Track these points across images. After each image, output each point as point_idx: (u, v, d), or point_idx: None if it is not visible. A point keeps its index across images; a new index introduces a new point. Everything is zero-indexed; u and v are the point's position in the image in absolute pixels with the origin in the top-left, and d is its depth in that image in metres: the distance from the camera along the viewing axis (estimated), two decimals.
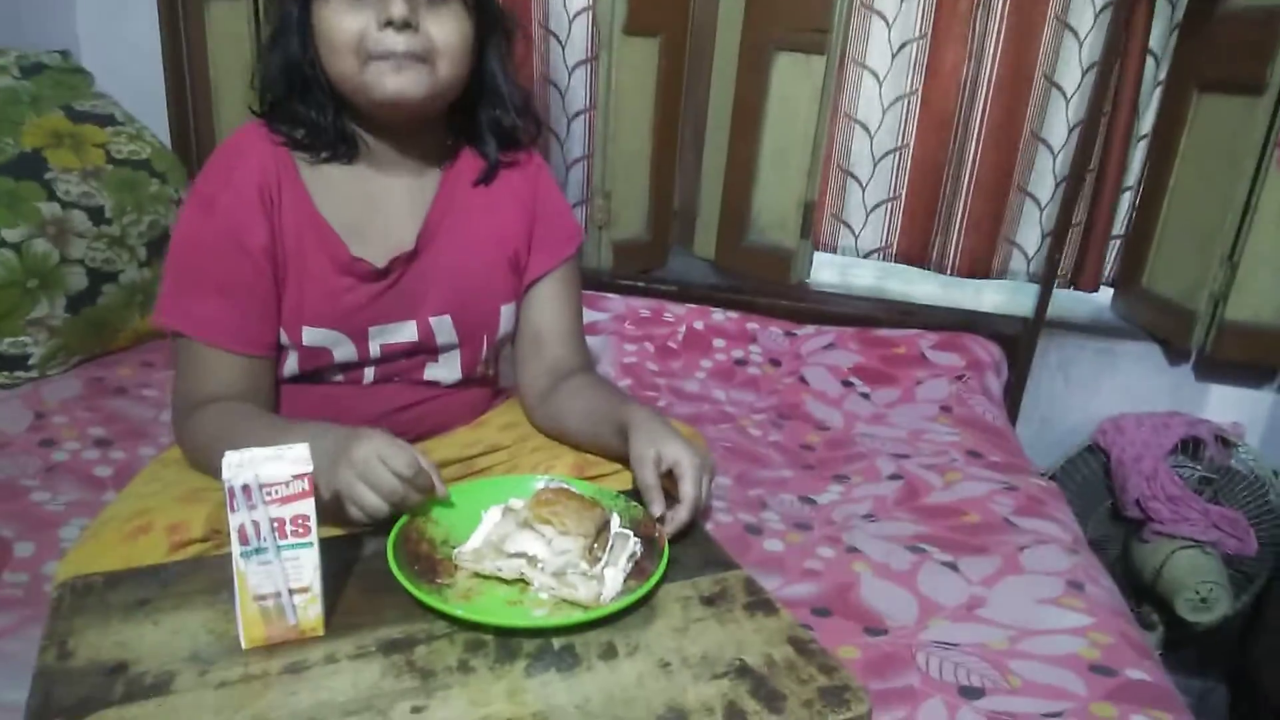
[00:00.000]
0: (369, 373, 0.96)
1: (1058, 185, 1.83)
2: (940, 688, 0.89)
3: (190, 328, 0.88)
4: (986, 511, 1.22)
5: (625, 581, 0.76)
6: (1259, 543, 1.73)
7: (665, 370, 1.69)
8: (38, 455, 1.18)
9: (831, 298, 1.93)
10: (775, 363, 1.71)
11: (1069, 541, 1.16)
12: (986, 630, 0.98)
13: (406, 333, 0.95)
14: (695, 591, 0.78)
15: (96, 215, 1.39)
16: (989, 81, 1.81)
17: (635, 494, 0.89)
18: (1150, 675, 0.91)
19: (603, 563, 0.76)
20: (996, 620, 0.99)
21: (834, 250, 2.02)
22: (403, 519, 0.80)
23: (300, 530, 0.66)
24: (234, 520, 0.64)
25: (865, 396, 1.61)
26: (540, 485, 0.86)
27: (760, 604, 0.77)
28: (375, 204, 0.94)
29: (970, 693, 0.88)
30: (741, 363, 1.72)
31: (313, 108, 0.88)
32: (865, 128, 1.90)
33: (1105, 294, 1.99)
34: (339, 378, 0.95)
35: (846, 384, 1.64)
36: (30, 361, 1.33)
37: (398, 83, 0.83)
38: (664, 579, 0.77)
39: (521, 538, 0.77)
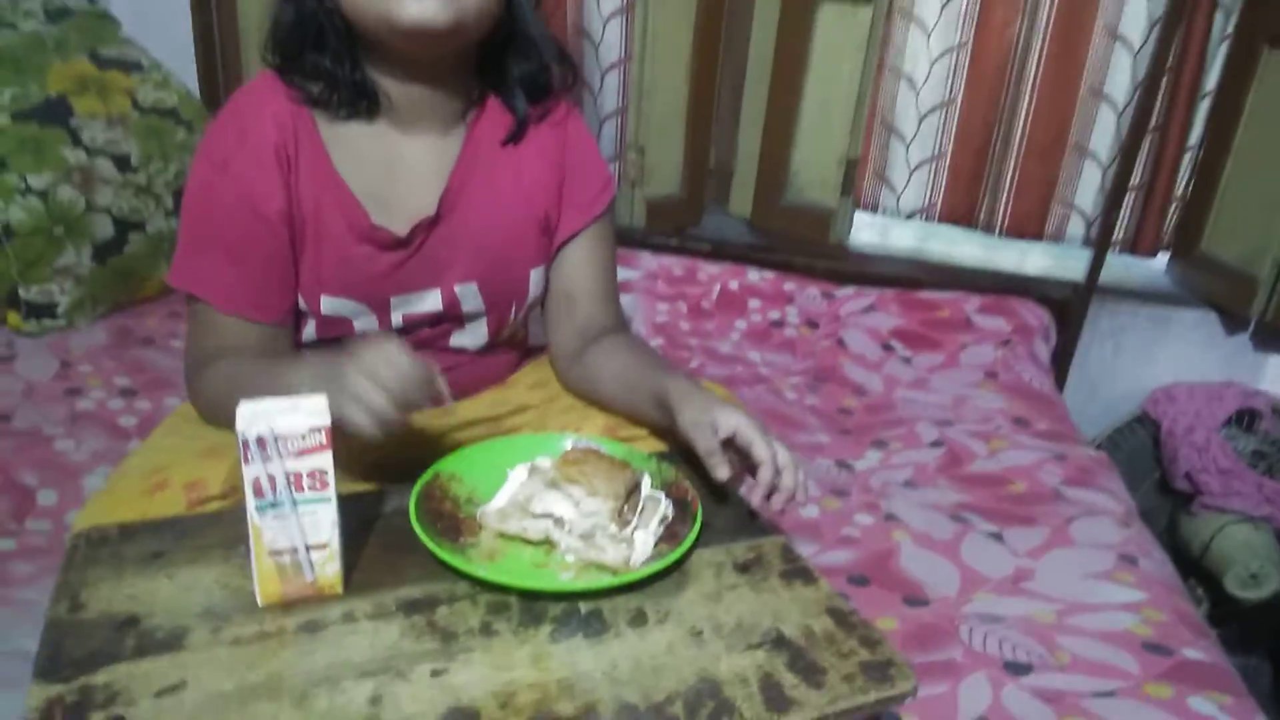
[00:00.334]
0: None
1: (1117, 144, 1.74)
2: (984, 662, 0.85)
3: (203, 292, 0.85)
4: (1034, 481, 1.17)
5: (656, 545, 0.72)
6: None
7: (698, 330, 1.65)
8: (63, 404, 1.17)
9: (872, 258, 1.86)
10: (812, 324, 1.66)
11: (1120, 514, 1.11)
12: (1033, 604, 0.93)
13: (430, 302, 0.91)
14: (729, 557, 0.74)
15: (123, 163, 1.37)
16: (1044, 35, 1.72)
17: (668, 456, 0.85)
18: (1207, 655, 0.86)
19: (632, 526, 0.73)
20: (1044, 594, 0.95)
21: (875, 210, 1.95)
22: (425, 475, 0.77)
23: (318, 484, 0.63)
24: (248, 473, 0.61)
25: (906, 361, 1.56)
26: (569, 445, 0.83)
27: (798, 572, 0.73)
28: (397, 167, 0.88)
29: (1016, 668, 0.84)
30: (778, 324, 1.66)
31: (330, 58, 0.83)
32: (911, 82, 1.82)
33: (1159, 260, 1.90)
34: None
35: (887, 347, 1.58)
36: (58, 310, 1.32)
37: (420, 7, 0.77)
38: (697, 544, 0.73)
39: (548, 498, 0.73)
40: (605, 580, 0.68)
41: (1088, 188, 1.79)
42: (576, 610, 0.67)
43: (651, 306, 1.68)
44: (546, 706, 0.57)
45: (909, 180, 1.90)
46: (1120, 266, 1.88)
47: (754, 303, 1.70)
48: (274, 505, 0.62)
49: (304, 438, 0.61)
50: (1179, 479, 1.69)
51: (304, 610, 0.65)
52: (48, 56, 1.39)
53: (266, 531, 0.63)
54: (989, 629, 0.89)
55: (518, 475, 0.78)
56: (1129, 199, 1.77)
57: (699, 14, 1.75)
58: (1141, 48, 1.67)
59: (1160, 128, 1.73)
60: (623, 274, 1.71)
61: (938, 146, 1.85)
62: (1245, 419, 1.71)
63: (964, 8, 1.75)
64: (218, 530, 0.73)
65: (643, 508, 0.75)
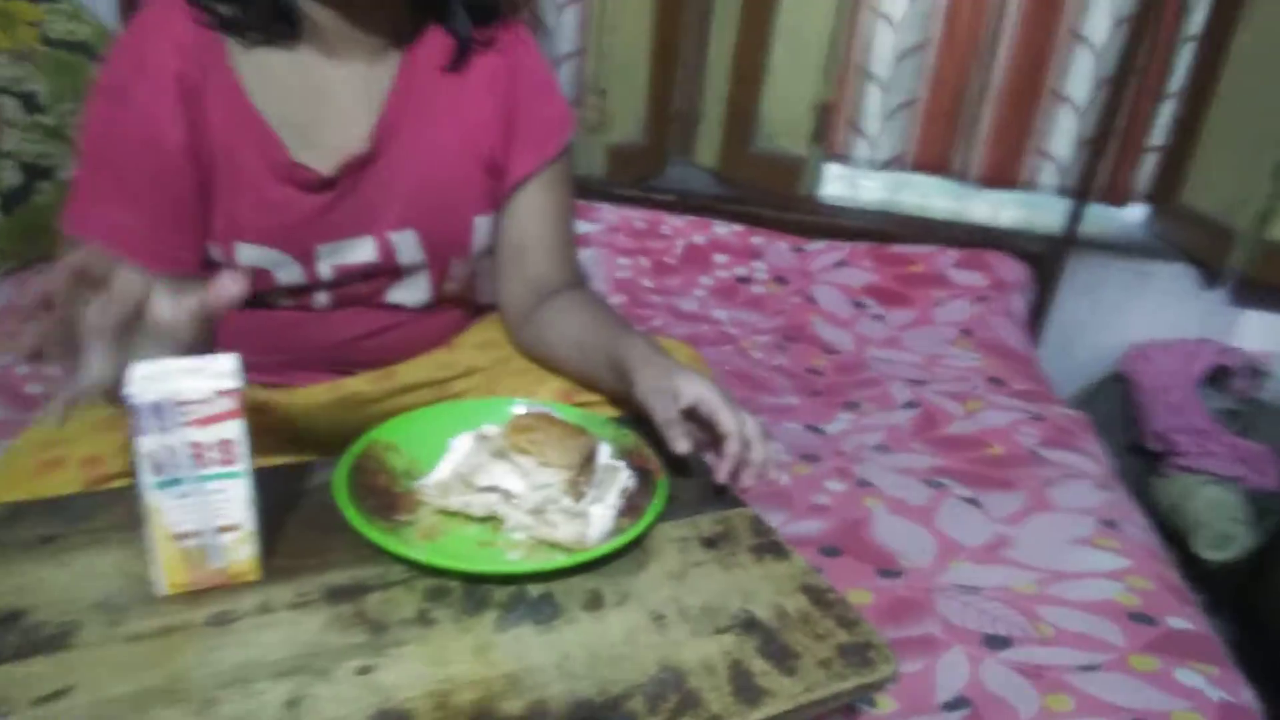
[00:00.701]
0: (321, 297, 0.83)
1: (1096, 89, 1.68)
2: (962, 636, 0.80)
3: (101, 239, 0.75)
4: (1011, 443, 1.12)
5: (615, 520, 0.65)
6: None
7: (661, 287, 1.57)
8: None
9: (843, 211, 1.79)
10: (781, 280, 1.59)
11: (1100, 476, 1.07)
12: (1013, 573, 0.89)
13: (363, 252, 0.82)
14: (695, 532, 0.68)
15: (29, 102, 1.25)
16: None
17: (629, 421, 0.78)
18: (1194, 624, 0.82)
19: (589, 499, 0.66)
20: (1024, 562, 0.90)
21: (846, 160, 1.88)
22: (357, 445, 0.70)
23: (226, 457, 0.55)
24: (143, 446, 0.53)
25: (879, 318, 1.50)
26: (518, 410, 0.76)
27: (768, 546, 0.67)
28: (321, 98, 0.79)
29: (996, 642, 0.79)
30: (745, 280, 1.60)
31: None
32: (889, 21, 1.73)
33: (1134, 211, 1.86)
34: (287, 302, 0.83)
35: (858, 304, 1.52)
36: None
37: None
38: (660, 517, 0.67)
39: (495, 469, 0.66)
40: (558, 560, 0.61)
41: (1064, 134, 1.73)
42: (526, 594, 0.60)
43: (612, 262, 1.60)
44: (489, 705, 0.51)
45: (883, 128, 1.82)
46: (1096, 218, 1.83)
47: (720, 258, 1.63)
48: (175, 482, 0.54)
49: (209, 402, 0.53)
50: (1152, 439, 1.66)
51: (213, 601, 0.57)
52: None
53: (168, 512, 0.55)
54: (967, 600, 0.84)
55: (461, 445, 0.71)
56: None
57: None
58: None
59: (1139, 72, 1.67)
60: (582, 227, 1.63)
61: (913, 90, 1.78)
62: (1219, 377, 1.68)
63: None
64: (118, 510, 0.65)
65: (600, 479, 0.68)
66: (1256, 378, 1.69)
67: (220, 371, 0.55)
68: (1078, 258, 1.74)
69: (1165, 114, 1.74)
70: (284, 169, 0.76)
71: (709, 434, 0.72)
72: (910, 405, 1.22)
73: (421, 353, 0.93)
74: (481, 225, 0.87)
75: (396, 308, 0.88)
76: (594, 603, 0.60)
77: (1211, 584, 1.78)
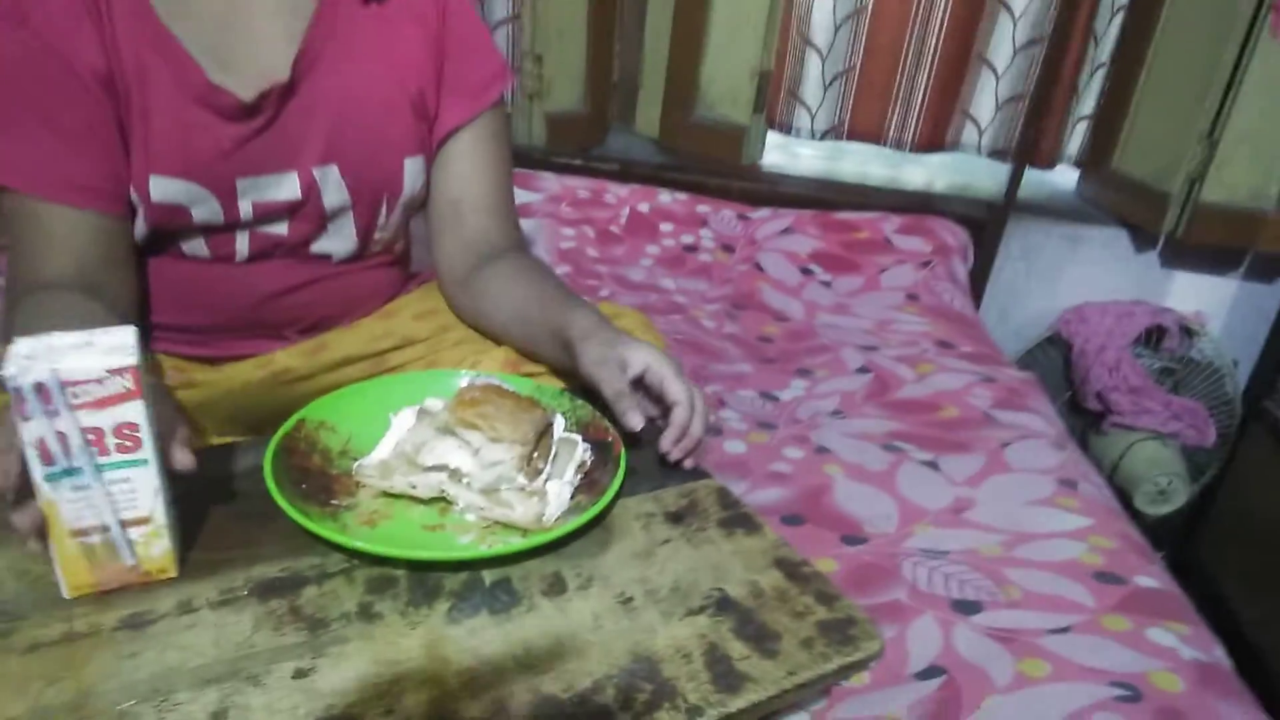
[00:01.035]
0: (241, 243, 0.76)
1: (1017, 53, 1.68)
2: (931, 602, 0.78)
3: (12, 176, 0.68)
4: (964, 405, 1.11)
5: (573, 498, 0.61)
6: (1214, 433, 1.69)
7: (607, 257, 1.52)
8: None
9: (787, 179, 1.76)
10: (728, 249, 1.55)
11: (1054, 436, 1.06)
12: (977, 536, 0.87)
13: (286, 188, 0.75)
14: (659, 507, 0.64)
15: None
16: None
17: (581, 392, 0.73)
18: (1160, 582, 0.82)
19: (544, 475, 0.61)
20: (987, 524, 0.89)
21: (788, 130, 1.84)
22: (287, 423, 0.63)
23: (128, 443, 0.49)
24: (29, 433, 0.46)
25: (826, 284, 1.47)
26: (464, 382, 0.70)
27: (738, 519, 0.63)
28: (240, 20, 0.72)
29: (965, 607, 0.77)
30: (691, 249, 1.55)
31: None
32: None
33: (1063, 175, 1.87)
34: (205, 253, 0.75)
35: (806, 271, 1.50)
36: None
37: None
38: (620, 493, 0.62)
39: (441, 446, 0.61)
40: (514, 544, 0.56)
41: (988, 96, 1.73)
42: (480, 581, 0.55)
43: (556, 232, 1.54)
44: (444, 706, 0.46)
45: (824, 97, 1.79)
46: (1027, 182, 1.84)
47: (666, 226, 1.58)
48: (69, 473, 0.48)
49: (101, 383, 0.46)
50: (1090, 398, 1.69)
51: (127, 601, 0.51)
52: None
53: (64, 506, 0.48)
54: (933, 565, 0.82)
55: (403, 420, 0.65)
56: (1024, 109, 1.72)
57: None
58: None
59: (1065, 38, 1.67)
60: (524, 196, 1.56)
61: (848, 60, 1.75)
62: (1153, 337, 1.71)
63: None
64: None
65: (556, 453, 0.64)
66: (1189, 337, 1.72)
67: (115, 346, 0.48)
68: (1014, 223, 1.75)
69: (1095, 81, 1.75)
70: (200, 90, 0.69)
71: (659, 406, 0.68)
72: (862, 370, 1.20)
73: (351, 313, 0.86)
74: (412, 168, 0.81)
75: (322, 259, 0.81)
76: (555, 588, 0.55)
77: (1151, 538, 1.82)
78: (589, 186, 1.62)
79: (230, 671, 0.47)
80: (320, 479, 0.61)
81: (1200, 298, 1.81)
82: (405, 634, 0.51)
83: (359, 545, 0.54)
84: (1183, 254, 1.77)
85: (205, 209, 0.72)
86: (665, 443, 0.66)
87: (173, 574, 0.53)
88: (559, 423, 0.67)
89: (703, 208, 1.61)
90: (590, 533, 0.60)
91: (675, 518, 0.63)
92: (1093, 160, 1.82)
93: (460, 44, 0.82)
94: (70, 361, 0.46)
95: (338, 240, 0.81)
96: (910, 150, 1.79)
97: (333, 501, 0.59)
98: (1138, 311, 1.73)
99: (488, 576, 0.55)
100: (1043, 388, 1.22)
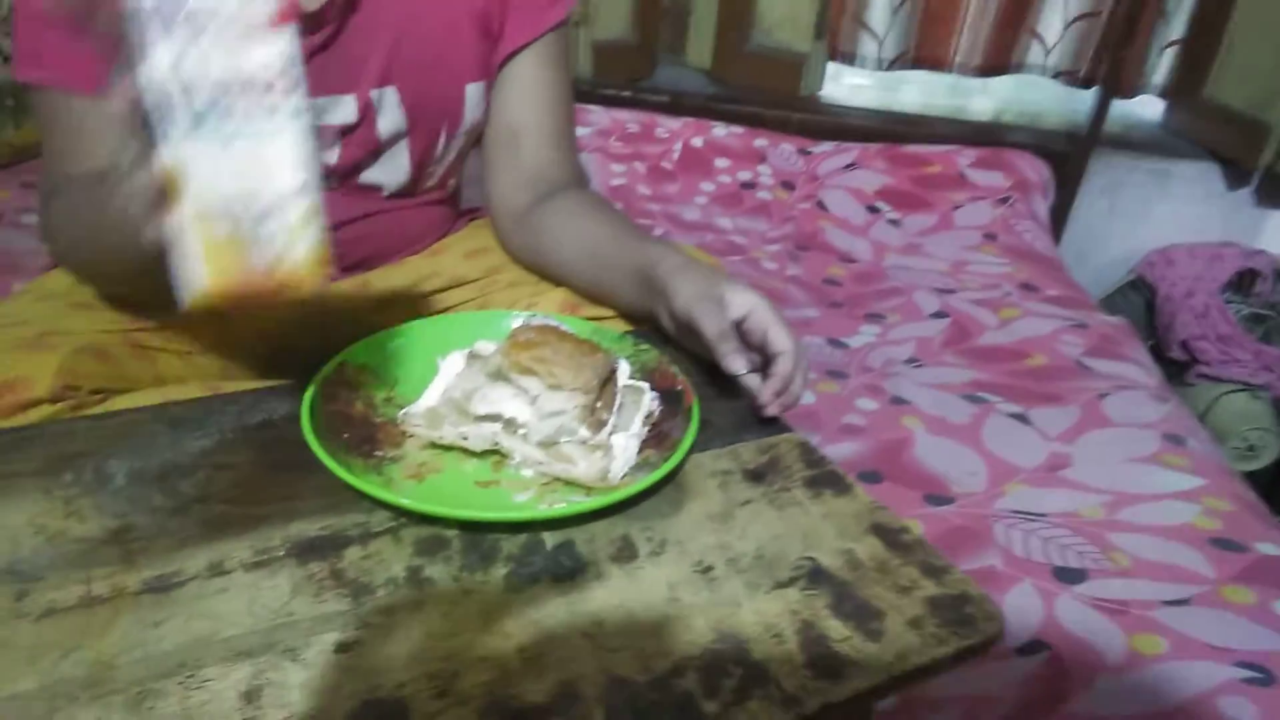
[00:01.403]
0: None
1: None
2: (1029, 569, 0.71)
3: (54, 74, 0.63)
4: (1053, 353, 1.02)
5: (641, 452, 0.54)
6: None
7: (659, 195, 1.44)
8: None
9: (850, 110, 1.65)
10: (788, 185, 1.46)
11: (1154, 387, 0.97)
12: (1076, 496, 0.79)
13: (341, 111, 0.69)
14: (736, 463, 0.57)
15: None
16: None
17: (646, 334, 0.66)
18: None
19: (609, 427, 0.54)
20: (1086, 484, 0.81)
21: (850, 60, 1.72)
22: (326, 366, 0.57)
23: (276, 90, 0.40)
24: (152, 65, 0.38)
25: (894, 223, 1.38)
26: (518, 323, 0.63)
27: (825, 478, 0.56)
28: None
29: (1068, 575, 0.70)
30: (749, 185, 1.46)
31: None
32: None
33: (1148, 105, 1.73)
34: None
35: (872, 209, 1.40)
36: None
37: None
38: (694, 448, 0.55)
39: (495, 394, 0.54)
40: (578, 504, 0.50)
41: (1055, 16, 1.60)
42: (541, 544, 0.49)
43: (605, 168, 1.45)
44: (505, 690, 0.40)
45: (892, 21, 1.67)
46: (1109, 114, 1.70)
47: (721, 162, 1.49)
48: (201, 120, 0.39)
49: (242, 9, 0.38)
50: (1175, 347, 1.58)
51: (151, 561, 0.46)
52: None
53: (193, 169, 0.40)
54: (1030, 528, 0.75)
55: (452, 365, 0.59)
56: (1101, 31, 1.58)
57: None
58: None
59: None
60: None
61: None
62: (1244, 281, 1.59)
63: None
64: (37, 449, 0.53)
65: (621, 403, 0.57)
66: None
67: None
68: (1096, 156, 1.62)
69: (1184, 5, 1.60)
70: None
71: (757, 354, 0.61)
72: (939, 315, 1.11)
73: (399, 253, 0.80)
74: (474, 95, 0.75)
75: (372, 191, 0.75)
76: (625, 553, 0.49)
77: None
78: (639, 120, 1.53)
79: (265, 644, 0.42)
80: (363, 428, 0.55)
81: None
82: (459, 603, 0.45)
83: (406, 503, 0.48)
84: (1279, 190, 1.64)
85: None
86: (766, 394, 0.59)
87: (315, 286, 0.43)
88: (623, 369, 0.60)
89: (760, 142, 1.51)
90: (660, 492, 0.53)
91: (755, 476, 0.56)
92: (1182, 88, 1.68)
93: None
94: None
95: (390, 170, 0.75)
96: (973, 75, 1.66)
97: (377, 453, 0.53)
98: (1228, 254, 1.61)
99: (548, 539, 0.49)
100: (1137, 335, 1.12)
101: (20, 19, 0.65)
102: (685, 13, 1.74)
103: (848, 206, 1.40)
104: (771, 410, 0.60)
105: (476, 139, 0.80)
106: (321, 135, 0.70)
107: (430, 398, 0.57)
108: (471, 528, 0.49)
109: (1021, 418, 0.91)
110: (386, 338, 0.63)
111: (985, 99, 1.74)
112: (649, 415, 0.57)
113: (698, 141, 1.51)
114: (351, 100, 0.69)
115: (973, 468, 0.83)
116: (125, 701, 0.39)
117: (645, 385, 0.59)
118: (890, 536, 0.51)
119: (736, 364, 0.58)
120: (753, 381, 0.59)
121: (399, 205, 0.78)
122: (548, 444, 0.53)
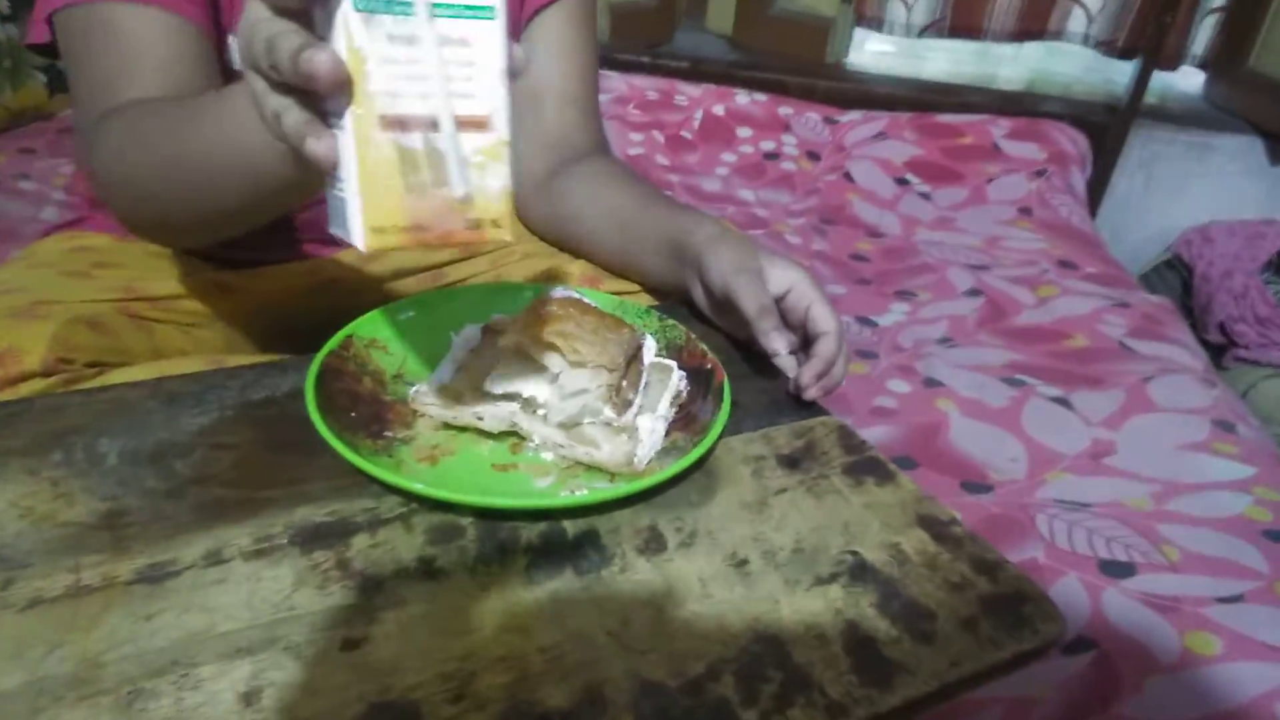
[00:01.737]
0: None
1: None
2: (1074, 562, 0.67)
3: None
4: (1095, 334, 0.98)
5: (669, 436, 0.51)
6: None
7: (679, 165, 1.39)
8: None
9: (878, 78, 1.59)
10: (813, 156, 1.41)
11: (1200, 370, 0.93)
12: (1121, 485, 0.75)
13: None
14: (770, 448, 0.53)
15: None
16: None
17: (672, 310, 0.62)
18: None
19: (635, 408, 0.51)
20: (1132, 472, 0.77)
21: (879, 26, 1.66)
22: (333, 340, 0.54)
23: None
24: None
25: (925, 196, 1.33)
26: (537, 296, 0.60)
27: (866, 465, 0.52)
28: None
29: (1115, 569, 0.66)
30: (772, 156, 1.41)
31: None
32: None
33: (1187, 77, 1.66)
34: None
35: (901, 181, 1.35)
36: None
37: None
38: (725, 431, 0.52)
39: (512, 371, 0.51)
40: (604, 490, 0.46)
41: None
42: (562, 533, 0.46)
43: (623, 136, 1.41)
44: (525, 694, 0.37)
45: None
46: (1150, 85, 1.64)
47: (743, 131, 1.44)
48: (391, 3, 0.31)
49: None
50: (1212, 329, 1.53)
51: (145, 546, 0.42)
52: None
53: (377, 66, 0.32)
54: (1073, 519, 0.71)
55: (466, 340, 0.55)
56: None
57: None
58: None
59: None
60: None
61: None
62: None
63: None
64: (25, 426, 0.50)
65: (647, 382, 0.53)
66: None
67: None
68: (1134, 129, 1.56)
69: None
70: None
71: (796, 333, 0.58)
72: (973, 293, 1.07)
73: None
74: None
75: None
76: (652, 545, 0.45)
77: None
78: (657, 87, 1.48)
79: (266, 639, 0.39)
80: (372, 406, 0.51)
81: None
82: (475, 597, 0.42)
83: (418, 488, 0.45)
84: None
85: None
86: (806, 376, 0.55)
87: (507, 235, 0.37)
88: (649, 345, 0.56)
89: (784, 110, 1.46)
90: (691, 478, 0.50)
91: (791, 462, 0.52)
92: (1224, 59, 1.61)
93: None
94: None
95: None
96: (1007, 40, 1.60)
97: (386, 433, 0.50)
98: (1269, 232, 1.55)
99: (569, 528, 0.46)
100: (1180, 316, 1.07)
101: None
102: None
103: (876, 178, 1.35)
104: (812, 394, 0.56)
105: None
106: None
107: (443, 374, 0.53)
108: (488, 514, 0.46)
109: (1063, 401, 0.86)
110: (397, 310, 0.59)
111: (1013, 67, 1.68)
112: (677, 395, 0.54)
113: (719, 109, 1.46)
114: None
115: (1013, 454, 0.79)
116: (114, 703, 0.36)
117: (673, 364, 0.55)
118: (938, 529, 0.48)
119: (777, 342, 0.54)
120: (790, 363, 0.55)
121: None
122: (569, 425, 0.50)
